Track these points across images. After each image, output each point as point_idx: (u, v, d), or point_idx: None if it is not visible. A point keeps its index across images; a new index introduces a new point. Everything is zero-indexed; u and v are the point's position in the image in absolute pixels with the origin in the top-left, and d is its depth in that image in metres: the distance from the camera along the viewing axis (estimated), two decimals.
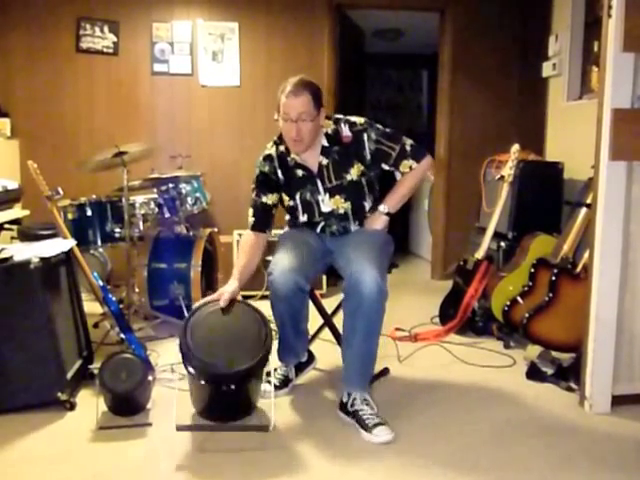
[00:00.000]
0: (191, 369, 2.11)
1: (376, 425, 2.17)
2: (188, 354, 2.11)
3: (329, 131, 2.45)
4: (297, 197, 2.51)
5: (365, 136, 2.43)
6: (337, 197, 2.48)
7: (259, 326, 2.21)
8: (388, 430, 2.16)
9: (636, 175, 2.35)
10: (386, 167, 2.49)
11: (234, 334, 2.20)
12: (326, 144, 2.45)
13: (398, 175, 2.50)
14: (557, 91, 4.20)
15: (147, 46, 4.35)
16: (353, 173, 2.46)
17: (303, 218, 2.55)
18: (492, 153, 3.92)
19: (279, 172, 2.50)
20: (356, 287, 2.17)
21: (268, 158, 2.51)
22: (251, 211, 2.53)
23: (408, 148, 2.45)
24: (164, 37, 4.36)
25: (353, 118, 2.48)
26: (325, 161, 2.45)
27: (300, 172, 2.48)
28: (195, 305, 2.32)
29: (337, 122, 2.47)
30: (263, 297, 3.71)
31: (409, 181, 2.49)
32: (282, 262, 2.34)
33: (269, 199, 2.51)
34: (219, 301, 2.25)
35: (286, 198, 2.54)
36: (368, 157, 2.45)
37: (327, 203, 2.49)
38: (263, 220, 2.51)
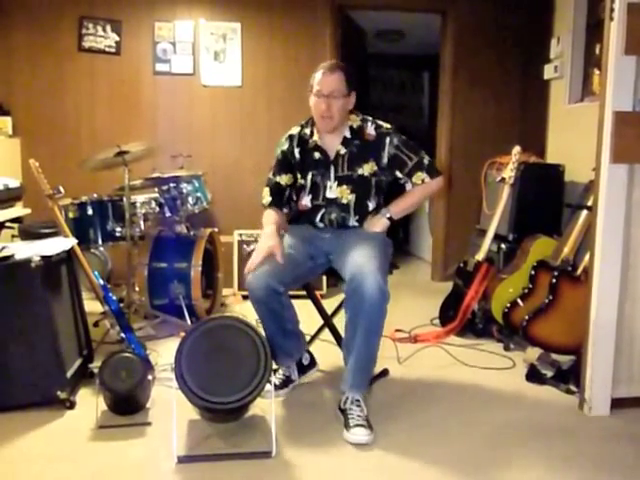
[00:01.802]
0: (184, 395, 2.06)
1: (357, 426, 2.17)
2: (181, 384, 2.04)
3: (354, 125, 2.53)
4: (308, 177, 2.57)
5: (388, 139, 2.50)
6: (344, 187, 2.53)
7: (258, 352, 2.11)
8: (366, 432, 2.15)
9: (637, 178, 2.36)
10: (400, 175, 2.53)
11: (230, 362, 2.08)
12: (348, 136, 2.52)
13: (409, 186, 2.55)
14: (558, 93, 4.19)
15: (149, 46, 4.36)
16: (366, 169, 2.51)
17: (307, 200, 2.58)
18: (493, 155, 3.92)
19: (296, 151, 2.57)
20: (358, 288, 2.17)
21: (290, 137, 2.60)
22: (267, 190, 2.62)
23: (425, 162, 2.52)
24: (166, 37, 4.36)
25: (380, 122, 2.56)
26: (343, 151, 2.52)
27: (317, 155, 2.55)
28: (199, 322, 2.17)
29: (364, 120, 2.55)
30: None
31: (418, 194, 2.56)
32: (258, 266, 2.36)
33: (282, 180, 2.59)
34: (272, 256, 2.30)
35: (299, 176, 2.60)
36: (385, 160, 2.51)
37: (334, 190, 2.54)
38: (279, 198, 2.59)
